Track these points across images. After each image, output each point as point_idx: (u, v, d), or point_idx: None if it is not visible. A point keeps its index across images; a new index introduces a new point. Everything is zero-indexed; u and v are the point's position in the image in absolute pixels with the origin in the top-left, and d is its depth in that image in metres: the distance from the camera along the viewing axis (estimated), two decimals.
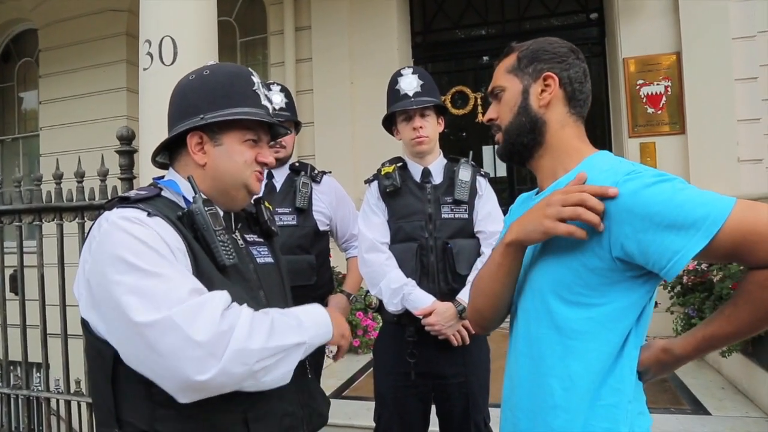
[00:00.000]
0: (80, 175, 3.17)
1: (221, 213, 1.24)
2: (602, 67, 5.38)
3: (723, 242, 0.90)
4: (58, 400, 3.32)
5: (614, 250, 0.97)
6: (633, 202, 0.95)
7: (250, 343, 1.03)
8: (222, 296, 1.07)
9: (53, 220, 3.25)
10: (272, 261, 1.39)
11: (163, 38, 2.79)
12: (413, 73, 2.14)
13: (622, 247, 0.96)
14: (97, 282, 1.07)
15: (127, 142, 3.08)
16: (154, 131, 2.80)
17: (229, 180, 1.25)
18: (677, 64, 4.74)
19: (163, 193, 1.22)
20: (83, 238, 3.19)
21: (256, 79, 1.30)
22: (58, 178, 3.20)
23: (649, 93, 4.81)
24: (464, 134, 5.83)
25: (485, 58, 5.66)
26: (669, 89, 4.77)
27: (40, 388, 3.38)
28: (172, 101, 1.29)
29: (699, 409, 3.12)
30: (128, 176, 3.11)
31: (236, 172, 1.25)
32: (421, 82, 2.11)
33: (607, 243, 0.97)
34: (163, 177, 1.29)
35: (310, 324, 1.18)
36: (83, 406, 3.24)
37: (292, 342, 1.11)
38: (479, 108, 5.52)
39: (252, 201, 1.40)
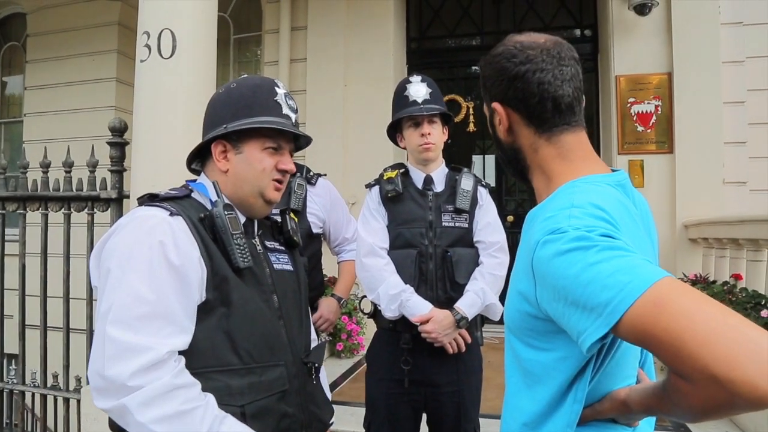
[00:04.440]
0: (69, 165, 3.11)
1: (243, 218, 1.33)
2: (594, 83, 5.44)
3: (625, 333, 0.78)
4: (33, 394, 3.24)
5: (541, 308, 0.93)
6: (546, 270, 0.88)
7: (140, 412, 1.05)
8: (155, 351, 1.08)
9: (38, 209, 3.19)
10: (291, 269, 1.43)
11: (162, 31, 2.74)
12: (422, 81, 2.14)
13: (544, 307, 0.92)
14: (106, 256, 1.18)
15: (119, 133, 3.04)
16: (148, 123, 2.76)
17: (247, 187, 1.32)
18: (668, 84, 4.80)
19: (192, 195, 1.31)
20: (68, 230, 3.14)
21: (280, 90, 1.36)
22: (46, 166, 3.14)
23: (640, 111, 4.87)
24: (455, 143, 5.84)
25: (475, 68, 5.69)
26: (659, 108, 4.84)
27: (15, 381, 3.29)
28: (205, 112, 1.40)
29: (680, 426, 3.15)
30: (118, 168, 3.06)
31: (254, 179, 1.32)
32: (429, 90, 2.12)
33: (535, 299, 0.94)
34: (195, 180, 1.39)
35: None
36: (59, 401, 3.17)
37: None
38: (471, 117, 5.55)
39: (278, 210, 1.48)
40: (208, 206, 1.28)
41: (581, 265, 0.82)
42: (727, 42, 4.73)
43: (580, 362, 0.93)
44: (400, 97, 2.14)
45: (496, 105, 1.07)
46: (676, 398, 0.79)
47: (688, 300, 0.74)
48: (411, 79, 2.16)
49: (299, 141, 1.44)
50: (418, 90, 2.10)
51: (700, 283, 4.00)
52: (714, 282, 3.93)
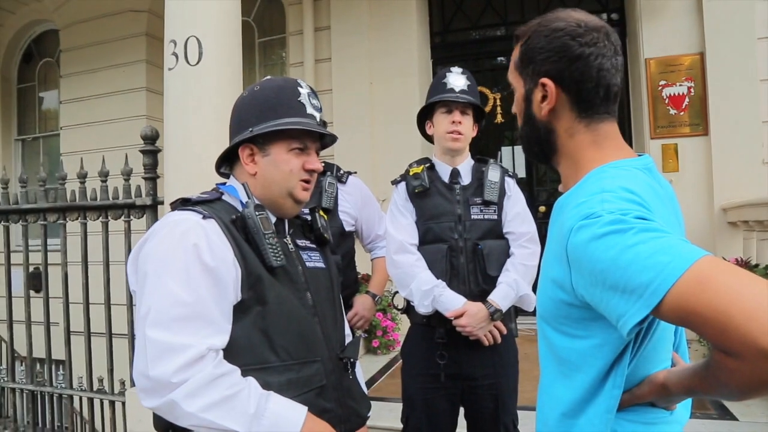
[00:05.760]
0: (104, 175, 3.19)
1: (273, 218, 1.35)
2: (623, 67, 5.32)
3: (668, 313, 0.77)
4: (81, 398, 3.34)
5: (577, 294, 0.92)
6: (581, 255, 0.87)
7: (187, 403, 1.10)
8: (195, 348, 1.12)
9: (77, 218, 3.28)
10: (323, 266, 1.45)
11: (188, 38, 2.79)
12: (462, 73, 2.16)
13: (581, 293, 0.91)
14: (142, 261, 1.22)
15: (151, 141, 3.10)
16: (178, 129, 2.81)
17: (276, 189, 1.34)
18: (701, 65, 4.67)
19: (223, 197, 1.34)
20: (107, 237, 3.23)
21: (303, 90, 1.37)
22: (83, 177, 3.23)
23: (672, 94, 4.75)
24: (483, 135, 5.81)
25: (500, 59, 5.66)
26: (692, 90, 4.71)
27: (63, 385, 3.40)
28: (231, 117, 1.42)
29: (725, 414, 3.07)
30: (152, 176, 3.13)
31: (282, 181, 1.33)
32: (468, 83, 2.13)
33: (570, 286, 0.93)
34: (225, 183, 1.41)
35: (269, 423, 1.15)
36: (106, 404, 3.26)
37: (230, 427, 1.11)
38: (498, 109, 5.50)
39: (308, 209, 1.51)
40: (239, 208, 1.30)
41: (619, 248, 0.81)
42: (761, 16, 4.56)
43: (618, 348, 0.93)
44: (438, 84, 2.15)
45: (547, 81, 1.03)
46: (723, 376, 0.78)
47: (731, 276, 0.73)
48: (452, 69, 2.17)
49: (325, 139, 1.44)
50: (457, 80, 2.11)
51: (742, 267, 3.88)
52: (757, 266, 3.82)
